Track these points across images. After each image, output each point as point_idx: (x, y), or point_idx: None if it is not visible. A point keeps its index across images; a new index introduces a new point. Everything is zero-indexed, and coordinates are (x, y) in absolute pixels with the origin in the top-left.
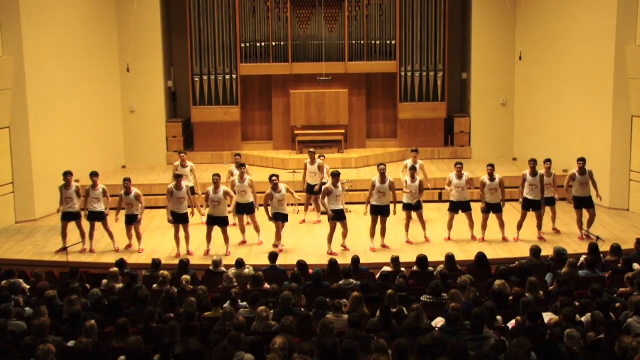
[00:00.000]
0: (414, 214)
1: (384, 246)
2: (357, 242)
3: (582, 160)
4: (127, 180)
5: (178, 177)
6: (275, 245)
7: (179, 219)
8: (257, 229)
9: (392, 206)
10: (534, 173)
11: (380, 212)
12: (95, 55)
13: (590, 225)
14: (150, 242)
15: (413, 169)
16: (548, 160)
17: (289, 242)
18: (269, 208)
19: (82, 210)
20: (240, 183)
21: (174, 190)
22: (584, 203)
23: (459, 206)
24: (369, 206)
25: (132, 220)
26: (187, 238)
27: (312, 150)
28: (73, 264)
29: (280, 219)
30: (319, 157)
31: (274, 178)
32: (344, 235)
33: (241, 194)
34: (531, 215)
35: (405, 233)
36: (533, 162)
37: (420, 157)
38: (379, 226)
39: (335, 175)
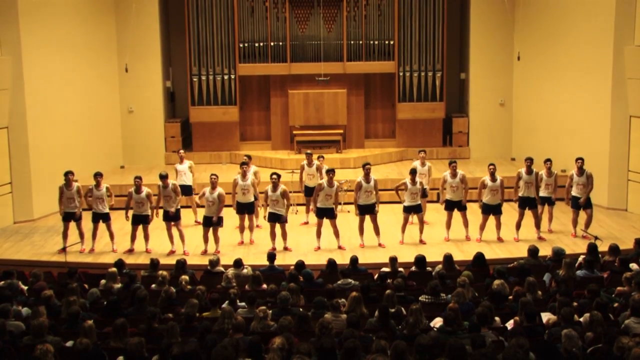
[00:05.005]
0: (412, 217)
1: (380, 245)
2: (355, 242)
3: (580, 160)
4: (137, 179)
5: (163, 177)
6: (290, 248)
7: (166, 217)
8: (251, 228)
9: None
10: (529, 171)
11: (367, 211)
12: (94, 55)
13: (587, 226)
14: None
15: (413, 173)
16: (548, 160)
17: (288, 243)
18: (267, 207)
19: (84, 210)
20: (243, 182)
21: (161, 188)
22: (581, 203)
23: (454, 205)
24: (356, 206)
25: (139, 221)
26: (181, 237)
27: (308, 152)
28: (71, 264)
29: (275, 219)
30: (318, 158)
31: (274, 177)
32: (336, 235)
33: (243, 192)
34: (529, 215)
35: (401, 234)
36: (529, 161)
37: (418, 157)
38: (370, 225)
39: (328, 172)
